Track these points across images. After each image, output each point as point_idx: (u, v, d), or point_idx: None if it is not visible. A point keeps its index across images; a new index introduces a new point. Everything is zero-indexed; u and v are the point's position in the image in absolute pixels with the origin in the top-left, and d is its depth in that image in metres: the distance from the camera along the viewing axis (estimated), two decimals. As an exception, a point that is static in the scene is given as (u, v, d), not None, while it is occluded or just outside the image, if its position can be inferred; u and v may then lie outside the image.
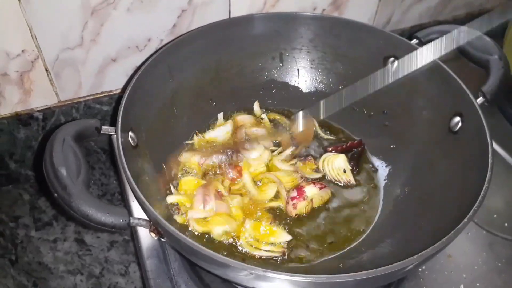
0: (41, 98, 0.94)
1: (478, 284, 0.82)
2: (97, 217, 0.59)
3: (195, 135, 0.97)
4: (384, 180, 0.94)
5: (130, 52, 0.94)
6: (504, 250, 0.87)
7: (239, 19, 0.98)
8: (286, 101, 1.06)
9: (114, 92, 1.00)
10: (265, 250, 0.79)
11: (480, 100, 0.80)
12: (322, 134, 1.02)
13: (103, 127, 0.73)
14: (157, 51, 0.87)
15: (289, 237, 0.81)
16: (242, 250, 0.79)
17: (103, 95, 0.99)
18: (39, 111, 0.95)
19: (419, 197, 0.85)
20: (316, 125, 1.02)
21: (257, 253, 0.79)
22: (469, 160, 0.79)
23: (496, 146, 1.00)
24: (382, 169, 0.96)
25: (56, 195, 0.60)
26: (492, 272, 0.84)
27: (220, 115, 1.01)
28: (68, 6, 0.83)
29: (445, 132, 0.85)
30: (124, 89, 1.00)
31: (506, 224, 0.90)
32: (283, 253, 0.79)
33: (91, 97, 0.98)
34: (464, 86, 0.82)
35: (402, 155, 0.94)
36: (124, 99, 0.76)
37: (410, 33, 1.21)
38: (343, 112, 1.00)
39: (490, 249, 0.87)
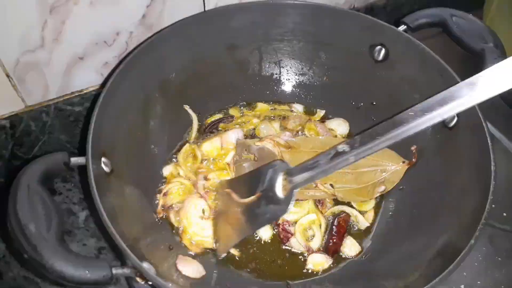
0: (5, 105, 0.88)
1: (479, 282, 0.81)
2: (75, 276, 0.54)
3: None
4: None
5: (99, 48, 0.89)
6: (504, 243, 0.85)
7: (213, 11, 0.90)
8: (268, 96, 1.01)
9: (85, 92, 0.94)
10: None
11: None
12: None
13: (71, 159, 0.66)
14: (123, 59, 0.80)
15: None
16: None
17: (74, 95, 0.94)
18: (5, 119, 0.89)
19: (416, 200, 0.82)
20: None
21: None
22: (466, 158, 0.76)
23: (492, 128, 0.96)
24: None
25: (25, 256, 0.53)
26: (493, 268, 0.82)
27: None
28: (23, 5, 0.76)
29: (439, 127, 0.81)
30: (95, 99, 0.93)
31: (504, 214, 0.88)
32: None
33: (61, 99, 0.93)
34: (457, 77, 0.77)
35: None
36: (92, 123, 0.69)
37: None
38: (332, 103, 0.98)
39: (490, 243, 0.85)
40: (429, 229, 0.75)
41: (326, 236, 0.82)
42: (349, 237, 0.83)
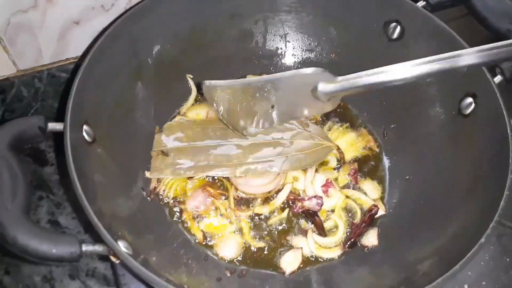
0: (-4, 68, 0.86)
1: (484, 283, 0.76)
2: (40, 250, 0.49)
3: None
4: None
5: (95, 13, 0.85)
6: (513, 243, 0.80)
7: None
8: (271, 72, 0.94)
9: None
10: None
11: (497, 78, 0.71)
12: None
13: (49, 124, 0.61)
14: (114, 21, 0.75)
15: None
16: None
17: (69, 62, 0.91)
18: (-5, 82, 0.88)
19: (422, 191, 0.77)
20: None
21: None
22: (482, 149, 0.70)
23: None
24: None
25: (-15, 226, 0.48)
26: (499, 269, 0.78)
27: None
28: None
29: (454, 114, 0.76)
30: (75, 70, 0.90)
31: (516, 212, 0.82)
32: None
33: (55, 65, 0.90)
34: (479, 62, 0.71)
35: (403, 137, 0.85)
36: (74, 86, 0.64)
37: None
38: None
39: (497, 242, 0.80)
40: (435, 223, 0.70)
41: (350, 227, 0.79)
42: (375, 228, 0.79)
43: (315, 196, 0.78)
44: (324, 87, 0.69)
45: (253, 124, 0.80)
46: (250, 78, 0.88)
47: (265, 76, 0.77)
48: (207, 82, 0.77)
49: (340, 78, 0.68)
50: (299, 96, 0.73)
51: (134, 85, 0.80)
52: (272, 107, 0.76)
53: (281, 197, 0.80)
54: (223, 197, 0.80)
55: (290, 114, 0.79)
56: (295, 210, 0.78)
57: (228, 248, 0.75)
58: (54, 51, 0.88)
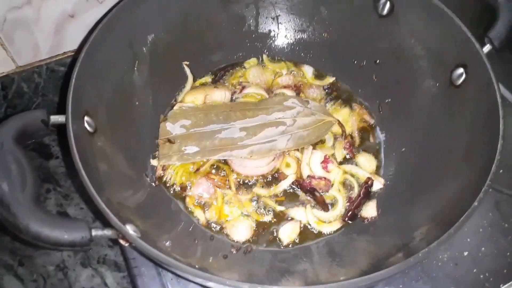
0: (-4, 66, 0.86)
1: (483, 249, 0.78)
2: (52, 236, 0.51)
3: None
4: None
5: (89, 6, 0.86)
6: (511, 209, 0.81)
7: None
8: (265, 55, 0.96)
9: (78, 52, 0.92)
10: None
11: (486, 48, 0.71)
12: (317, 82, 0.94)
13: (51, 117, 0.63)
14: (108, 12, 0.74)
15: None
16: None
17: (66, 55, 0.91)
18: (-4, 79, 0.88)
19: (417, 162, 0.78)
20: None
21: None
22: (474, 117, 0.71)
23: (503, 90, 0.90)
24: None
25: (-1, 217, 0.51)
26: (498, 234, 0.79)
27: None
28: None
29: (446, 85, 0.76)
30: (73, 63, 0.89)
31: (513, 179, 0.84)
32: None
33: (53, 59, 0.91)
34: (468, 32, 0.72)
35: (398, 111, 0.86)
36: (73, 79, 0.65)
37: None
38: (334, 63, 0.93)
39: (496, 209, 0.82)
40: (430, 192, 0.72)
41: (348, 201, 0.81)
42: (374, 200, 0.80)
43: (324, 178, 0.80)
44: None
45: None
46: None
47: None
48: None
49: None
50: None
51: (131, 75, 0.80)
52: None
53: (284, 185, 0.81)
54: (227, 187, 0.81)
55: None
56: (305, 184, 0.80)
57: (240, 231, 0.77)
58: (51, 46, 0.88)
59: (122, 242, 0.57)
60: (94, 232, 0.54)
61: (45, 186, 0.94)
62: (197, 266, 0.53)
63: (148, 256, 0.57)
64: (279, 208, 0.79)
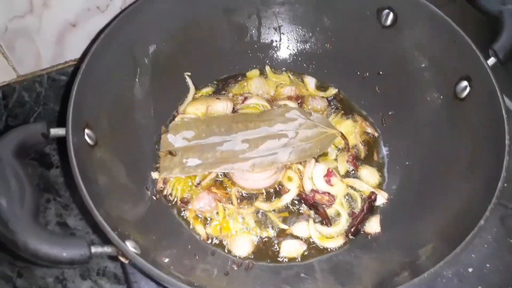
0: (-3, 75, 0.86)
1: (488, 265, 0.77)
2: (51, 254, 0.50)
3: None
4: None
5: (91, 15, 0.85)
6: (517, 224, 0.81)
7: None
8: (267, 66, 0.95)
9: (80, 61, 0.91)
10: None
11: (491, 60, 0.71)
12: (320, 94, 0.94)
13: (51, 130, 0.62)
14: (109, 23, 0.74)
15: None
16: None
17: (68, 65, 0.91)
18: (-3, 88, 0.87)
19: (421, 176, 0.78)
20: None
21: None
22: (479, 130, 0.70)
23: (508, 102, 0.90)
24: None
25: (-4, 233, 0.50)
26: (504, 250, 0.78)
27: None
28: (9, -33, 0.73)
29: (450, 98, 0.76)
30: (74, 72, 0.90)
31: (518, 193, 0.83)
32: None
33: (54, 68, 0.90)
34: (472, 45, 0.71)
35: (401, 123, 0.85)
36: (74, 91, 0.65)
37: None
38: (337, 74, 0.92)
39: (501, 224, 0.81)
40: (435, 208, 0.71)
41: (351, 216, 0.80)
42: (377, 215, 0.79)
43: (328, 193, 0.79)
44: None
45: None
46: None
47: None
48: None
49: None
50: None
51: (133, 86, 0.80)
52: None
53: (286, 199, 0.80)
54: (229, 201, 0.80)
55: None
56: (308, 199, 0.79)
57: (241, 246, 0.76)
58: (53, 55, 0.88)
59: (122, 259, 0.57)
60: (93, 249, 0.53)
61: (45, 196, 0.93)
62: (196, 284, 0.52)
63: (148, 274, 0.56)
64: (283, 226, 0.78)
